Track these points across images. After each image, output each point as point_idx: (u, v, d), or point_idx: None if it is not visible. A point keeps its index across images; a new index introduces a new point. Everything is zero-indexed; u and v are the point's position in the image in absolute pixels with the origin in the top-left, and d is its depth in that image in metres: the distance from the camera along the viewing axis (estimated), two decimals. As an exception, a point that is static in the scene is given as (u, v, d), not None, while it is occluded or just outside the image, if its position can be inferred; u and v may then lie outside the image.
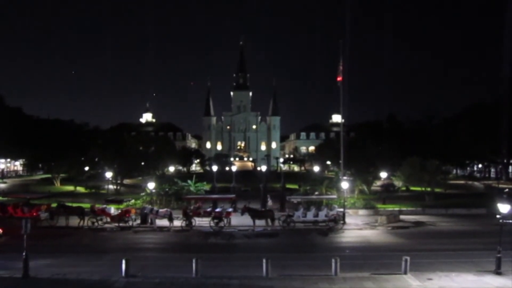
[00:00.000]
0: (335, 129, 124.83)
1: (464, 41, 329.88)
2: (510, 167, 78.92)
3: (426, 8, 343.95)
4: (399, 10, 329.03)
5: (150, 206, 36.29)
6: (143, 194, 44.46)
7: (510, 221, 21.26)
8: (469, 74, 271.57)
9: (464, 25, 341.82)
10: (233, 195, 39.76)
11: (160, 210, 34.30)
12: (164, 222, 32.94)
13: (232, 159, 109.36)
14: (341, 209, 35.49)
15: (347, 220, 35.15)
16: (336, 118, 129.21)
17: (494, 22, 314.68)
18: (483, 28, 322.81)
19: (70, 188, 57.10)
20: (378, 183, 54.58)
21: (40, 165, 70.17)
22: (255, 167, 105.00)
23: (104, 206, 34.65)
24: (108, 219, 33.15)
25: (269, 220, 33.11)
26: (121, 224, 32.80)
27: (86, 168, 60.62)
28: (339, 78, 40.65)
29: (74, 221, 33.66)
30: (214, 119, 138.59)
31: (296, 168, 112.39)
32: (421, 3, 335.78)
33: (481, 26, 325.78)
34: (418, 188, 48.92)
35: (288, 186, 52.85)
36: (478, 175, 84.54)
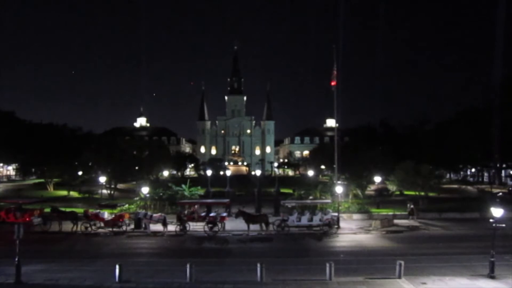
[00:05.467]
0: (329, 133, 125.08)
1: (456, 47, 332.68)
2: (503, 171, 79.47)
3: (419, 14, 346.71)
4: (392, 15, 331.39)
5: (144, 211, 36.18)
6: (137, 198, 44.28)
7: (503, 225, 21.39)
8: (461, 80, 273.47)
9: (456, 31, 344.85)
10: (227, 200, 39.75)
11: (154, 215, 34.18)
12: (158, 227, 32.84)
13: (226, 163, 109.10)
14: (335, 214, 35.55)
15: (341, 224, 35.20)
16: (330, 122, 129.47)
17: (487, 27, 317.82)
18: (476, 34, 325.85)
19: (64, 193, 56.75)
20: (372, 187, 54.70)
21: (33, 169, 69.63)
22: (250, 171, 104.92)
23: (98, 211, 34.51)
24: (102, 224, 33.01)
25: (263, 225, 33.09)
26: (114, 229, 32.66)
27: (80, 173, 60.27)
28: (333, 83, 40.76)
29: (67, 226, 33.50)
30: (208, 124, 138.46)
31: (290, 173, 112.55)
32: (414, 9, 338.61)
33: (473, 32, 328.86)
34: (412, 193, 49.06)
35: (283, 190, 52.84)
36: (471, 179, 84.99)
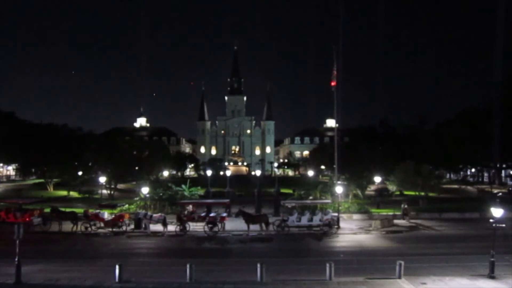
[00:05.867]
0: (329, 133, 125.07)
1: (456, 47, 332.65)
2: (503, 171, 79.45)
3: (419, 13, 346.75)
4: (392, 15, 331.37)
5: (144, 211, 36.16)
6: (137, 199, 44.26)
7: (503, 225, 21.38)
8: (461, 79, 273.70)
9: (456, 30, 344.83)
10: (227, 200, 39.74)
11: (154, 215, 34.17)
12: (158, 227, 32.83)
13: (226, 163, 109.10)
14: (335, 214, 35.52)
15: (341, 224, 35.19)
16: (330, 122, 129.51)
17: (487, 26, 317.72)
18: (475, 33, 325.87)
19: (63, 193, 56.75)
20: (372, 187, 54.71)
21: (33, 170, 69.67)
22: (250, 171, 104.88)
23: (98, 211, 34.49)
24: (102, 224, 32.98)
25: (263, 225, 33.08)
26: (114, 229, 32.65)
27: (80, 173, 60.29)
28: (333, 83, 40.75)
29: (67, 226, 33.48)
30: (208, 124, 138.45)
31: (290, 173, 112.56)
32: (414, 8, 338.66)
33: (473, 31, 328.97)
34: (412, 193, 49.07)
35: (283, 190, 52.79)
36: (471, 179, 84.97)
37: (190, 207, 36.24)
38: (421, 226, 35.84)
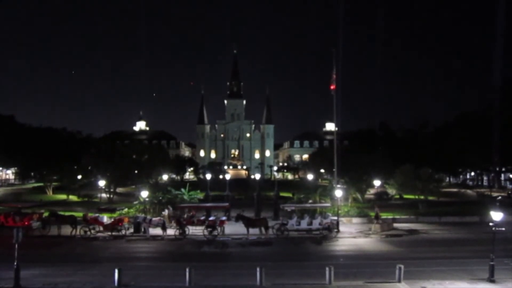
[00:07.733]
0: (328, 137, 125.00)
1: (456, 51, 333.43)
2: (502, 175, 79.42)
3: (418, 17, 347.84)
4: (391, 19, 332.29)
5: (143, 215, 36.13)
6: (136, 202, 44.18)
7: (503, 229, 21.37)
8: (461, 83, 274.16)
9: (455, 34, 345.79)
10: (226, 204, 39.68)
11: (153, 218, 34.14)
12: (157, 231, 32.80)
13: (226, 167, 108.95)
14: (335, 218, 35.50)
15: (341, 228, 35.17)
16: (330, 126, 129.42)
17: (486, 31, 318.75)
18: (474, 37, 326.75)
19: (63, 196, 56.69)
20: (372, 191, 54.63)
21: (32, 173, 69.58)
22: (249, 175, 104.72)
23: (97, 215, 34.52)
24: (101, 228, 32.97)
25: (263, 229, 33.04)
26: (114, 233, 32.62)
27: (79, 177, 60.21)
28: (332, 87, 40.81)
29: (67, 230, 33.44)
30: (208, 127, 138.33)
31: (290, 176, 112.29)
32: (413, 12, 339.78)
33: (472, 35, 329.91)
34: (412, 196, 49.02)
35: (282, 194, 52.76)
36: (470, 183, 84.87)
37: (166, 211, 36.25)
38: (420, 230, 35.81)
